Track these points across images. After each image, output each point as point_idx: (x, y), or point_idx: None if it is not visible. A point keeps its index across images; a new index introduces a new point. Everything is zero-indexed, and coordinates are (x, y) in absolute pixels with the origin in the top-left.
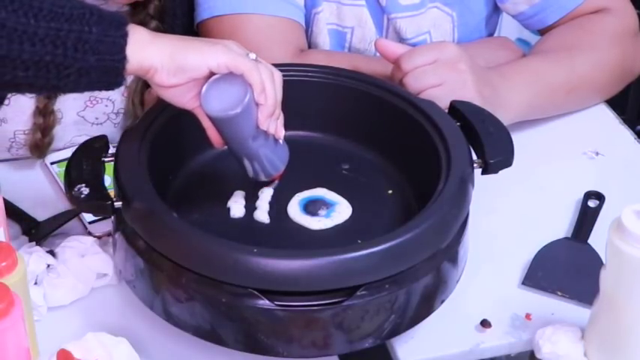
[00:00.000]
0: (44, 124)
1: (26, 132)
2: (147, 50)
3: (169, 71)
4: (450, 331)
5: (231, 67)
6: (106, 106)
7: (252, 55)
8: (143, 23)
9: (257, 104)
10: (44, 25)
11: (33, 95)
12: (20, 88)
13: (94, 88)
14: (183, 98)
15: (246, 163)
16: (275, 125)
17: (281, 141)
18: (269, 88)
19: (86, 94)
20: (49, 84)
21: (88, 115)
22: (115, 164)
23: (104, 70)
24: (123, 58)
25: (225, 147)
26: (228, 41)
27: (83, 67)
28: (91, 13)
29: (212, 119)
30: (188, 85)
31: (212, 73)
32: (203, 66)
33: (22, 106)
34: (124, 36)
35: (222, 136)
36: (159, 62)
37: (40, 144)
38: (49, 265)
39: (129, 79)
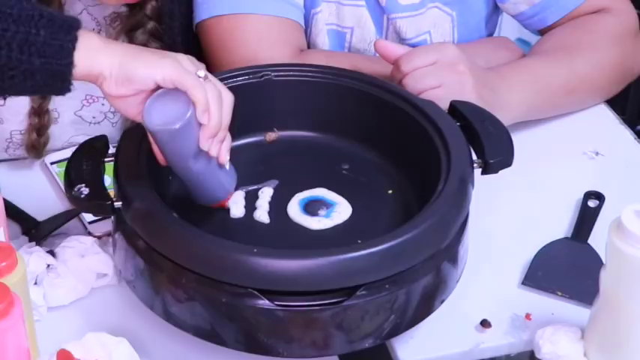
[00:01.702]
0: (39, 123)
1: (22, 132)
2: (96, 57)
3: (117, 81)
4: (450, 331)
5: (176, 82)
6: (103, 104)
7: (202, 73)
8: (141, 24)
9: (200, 124)
10: None
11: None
12: None
13: (42, 92)
14: (132, 110)
15: (187, 183)
16: (217, 148)
17: (227, 166)
18: (214, 108)
19: (82, 93)
20: None
21: (85, 114)
22: (115, 164)
23: (50, 73)
24: (70, 63)
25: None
26: (182, 55)
27: (28, 70)
28: (40, 15)
29: (151, 133)
30: (137, 97)
31: (159, 87)
32: (149, 78)
33: (17, 106)
34: (73, 40)
35: (162, 152)
36: (108, 70)
37: (36, 144)
38: (49, 265)
39: None
